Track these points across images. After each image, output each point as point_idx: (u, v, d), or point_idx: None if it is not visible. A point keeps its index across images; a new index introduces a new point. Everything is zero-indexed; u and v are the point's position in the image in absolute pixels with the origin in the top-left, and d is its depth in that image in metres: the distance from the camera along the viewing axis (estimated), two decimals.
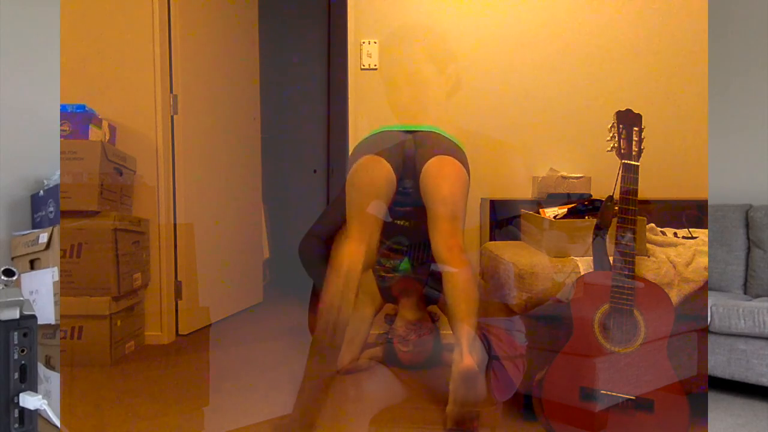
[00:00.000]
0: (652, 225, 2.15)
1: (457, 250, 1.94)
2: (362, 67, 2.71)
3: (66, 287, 2.34)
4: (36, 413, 1.48)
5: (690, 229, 2.19)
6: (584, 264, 1.82)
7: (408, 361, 2.31)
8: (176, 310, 2.84)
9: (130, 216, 2.63)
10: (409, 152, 2.10)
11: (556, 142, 2.74)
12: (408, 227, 2.22)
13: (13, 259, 2.38)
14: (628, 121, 1.75)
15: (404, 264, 2.28)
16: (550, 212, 2.14)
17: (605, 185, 1.88)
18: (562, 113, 2.73)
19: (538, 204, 2.32)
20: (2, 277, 1.51)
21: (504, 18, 2.72)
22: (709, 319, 2.34)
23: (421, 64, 2.70)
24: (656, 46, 2.72)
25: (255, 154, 3.56)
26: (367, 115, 2.67)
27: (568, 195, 2.46)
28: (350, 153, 2.69)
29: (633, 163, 1.72)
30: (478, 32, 2.71)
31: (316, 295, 3.08)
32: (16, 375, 1.45)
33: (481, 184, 2.71)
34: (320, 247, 3.07)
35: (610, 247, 1.75)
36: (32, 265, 2.25)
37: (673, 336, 1.70)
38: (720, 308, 2.33)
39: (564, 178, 2.58)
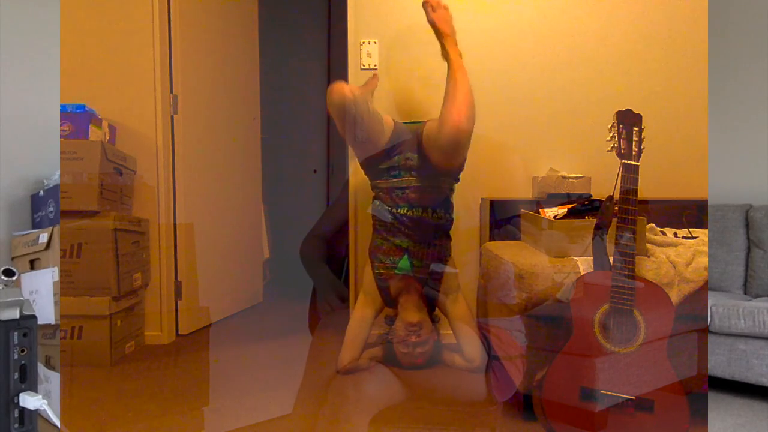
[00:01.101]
0: (652, 225, 2.15)
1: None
2: (362, 67, 2.71)
3: (66, 287, 2.34)
4: (36, 413, 1.48)
5: (690, 229, 2.19)
6: (584, 264, 1.82)
7: (408, 363, 2.31)
8: (176, 310, 2.84)
9: (130, 216, 2.63)
10: (414, 131, 2.25)
11: (556, 142, 2.74)
12: (408, 217, 2.21)
13: (13, 259, 2.38)
14: (628, 121, 1.75)
15: (403, 262, 2.27)
16: (550, 212, 2.14)
17: (605, 185, 1.88)
18: (562, 113, 2.73)
19: (538, 204, 2.32)
20: (2, 277, 1.51)
21: (504, 18, 2.72)
22: (709, 319, 2.34)
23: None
24: (656, 46, 2.72)
25: (255, 154, 3.56)
26: None
27: (568, 195, 2.46)
28: (351, 152, 2.70)
29: (633, 163, 1.72)
30: (477, 32, 2.71)
31: (315, 296, 3.09)
32: (16, 375, 1.45)
33: (481, 184, 2.71)
34: (321, 247, 3.07)
35: (610, 247, 1.75)
36: (32, 265, 2.25)
37: (673, 336, 1.70)
38: (720, 308, 2.33)
39: (564, 178, 2.58)
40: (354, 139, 2.23)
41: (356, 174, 2.67)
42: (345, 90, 2.08)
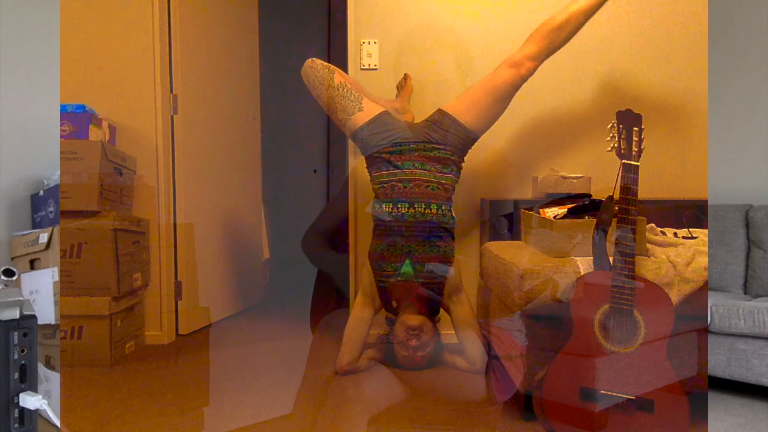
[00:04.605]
0: (652, 225, 2.15)
1: None
2: (362, 67, 2.71)
3: (66, 287, 2.34)
4: (36, 413, 1.48)
5: (690, 229, 2.19)
6: (584, 264, 1.83)
7: (409, 365, 2.30)
8: (176, 310, 2.84)
9: (130, 216, 2.63)
10: (424, 124, 2.34)
11: (556, 142, 2.74)
12: (411, 215, 2.20)
13: (13, 259, 2.38)
14: (628, 121, 1.75)
15: (405, 267, 2.24)
16: (550, 212, 2.14)
17: (605, 185, 1.88)
18: (562, 113, 2.73)
19: (538, 204, 2.32)
20: (2, 277, 1.51)
21: (503, 17, 2.72)
22: (709, 319, 2.34)
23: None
24: (656, 46, 2.72)
25: (255, 154, 3.56)
26: None
27: (568, 195, 2.46)
28: (351, 151, 2.70)
29: (633, 163, 1.72)
30: (477, 32, 2.71)
31: (317, 294, 3.08)
32: (16, 375, 1.45)
33: (481, 184, 2.71)
34: (322, 239, 3.07)
35: (610, 247, 1.75)
36: (32, 265, 2.25)
37: (673, 336, 1.70)
38: (720, 308, 2.33)
39: (564, 178, 2.58)
40: (326, 108, 2.39)
41: (356, 173, 2.67)
42: (307, 61, 2.35)
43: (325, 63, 2.37)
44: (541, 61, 2.28)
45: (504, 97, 2.29)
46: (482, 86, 2.31)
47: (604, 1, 2.29)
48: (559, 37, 2.27)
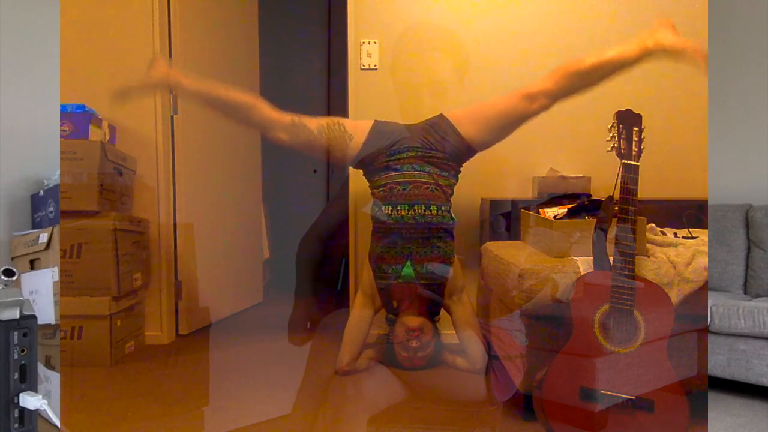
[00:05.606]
0: (652, 225, 2.15)
1: None
2: (362, 67, 2.71)
3: (66, 287, 2.34)
4: (36, 413, 1.48)
5: (690, 229, 2.19)
6: (584, 264, 1.82)
7: (409, 365, 2.30)
8: (176, 310, 2.84)
9: (130, 216, 2.63)
10: (423, 126, 2.31)
11: (556, 142, 2.73)
12: (410, 218, 2.20)
13: (13, 259, 2.38)
14: (628, 121, 1.75)
15: (406, 269, 2.24)
16: (550, 212, 2.14)
17: (605, 185, 1.88)
18: (561, 113, 2.72)
19: (538, 204, 2.32)
20: (2, 277, 1.51)
21: (504, 17, 2.72)
22: (709, 319, 2.34)
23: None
24: None
25: (255, 154, 3.56)
26: (367, 115, 2.66)
27: (567, 195, 2.46)
28: None
29: (633, 163, 1.72)
30: (477, 31, 2.71)
31: (298, 301, 3.08)
32: (16, 375, 1.45)
33: (481, 184, 2.71)
34: (318, 251, 3.06)
35: (610, 247, 1.75)
36: (32, 265, 2.25)
37: (673, 336, 1.70)
38: (720, 308, 2.33)
39: (564, 178, 2.58)
40: (323, 156, 2.34)
41: (356, 173, 2.67)
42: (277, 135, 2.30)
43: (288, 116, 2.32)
44: (557, 101, 2.16)
45: (510, 124, 2.24)
46: (492, 106, 2.26)
47: (640, 59, 2.07)
48: (582, 81, 2.11)
